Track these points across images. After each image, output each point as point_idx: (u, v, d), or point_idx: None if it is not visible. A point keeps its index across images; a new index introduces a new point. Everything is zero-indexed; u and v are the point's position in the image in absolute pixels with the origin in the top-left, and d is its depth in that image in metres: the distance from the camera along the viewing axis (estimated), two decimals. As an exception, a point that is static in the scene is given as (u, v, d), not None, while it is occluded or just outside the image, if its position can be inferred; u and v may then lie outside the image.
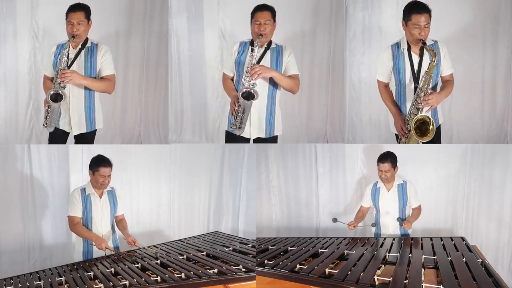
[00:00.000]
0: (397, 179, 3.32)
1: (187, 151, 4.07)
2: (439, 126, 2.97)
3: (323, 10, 3.83)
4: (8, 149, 3.69)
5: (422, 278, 2.07)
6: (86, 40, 2.98)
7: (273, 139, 3.04)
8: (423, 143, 2.83)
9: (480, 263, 2.27)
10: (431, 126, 2.71)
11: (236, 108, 2.85)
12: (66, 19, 2.92)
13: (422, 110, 2.76)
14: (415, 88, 2.80)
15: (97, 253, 3.02)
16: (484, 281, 1.97)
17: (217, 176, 4.18)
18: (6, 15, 3.71)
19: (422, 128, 2.75)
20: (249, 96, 2.82)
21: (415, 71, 2.81)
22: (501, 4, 3.70)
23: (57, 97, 2.85)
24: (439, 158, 3.75)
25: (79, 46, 2.96)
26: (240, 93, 2.83)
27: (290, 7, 3.79)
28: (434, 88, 2.87)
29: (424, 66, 2.79)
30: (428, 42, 2.81)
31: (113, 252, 3.01)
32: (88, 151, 3.79)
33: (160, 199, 4.07)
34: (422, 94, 2.74)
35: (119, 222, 3.22)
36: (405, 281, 2.02)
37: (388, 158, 3.25)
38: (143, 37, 3.85)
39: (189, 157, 4.09)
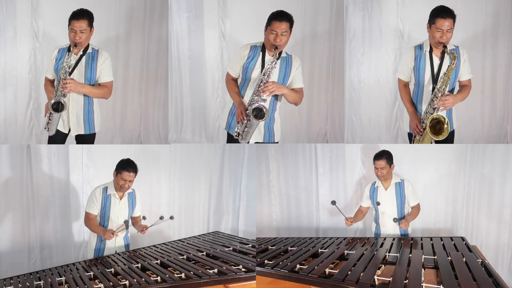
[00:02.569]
0: (395, 178, 3.33)
1: (187, 151, 4.07)
2: (453, 130, 3.04)
3: (323, 10, 3.83)
4: (8, 149, 3.69)
5: (422, 278, 2.07)
6: (87, 46, 2.99)
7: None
8: (436, 142, 2.92)
9: (480, 263, 2.27)
10: (445, 126, 2.80)
11: (244, 122, 2.84)
12: (68, 25, 2.90)
13: (437, 110, 2.83)
14: (433, 89, 2.86)
15: (108, 250, 3.12)
16: (484, 281, 1.97)
17: (217, 176, 4.18)
18: (6, 15, 3.71)
19: (436, 127, 2.84)
20: (260, 115, 2.79)
21: (435, 72, 2.88)
22: (501, 5, 3.70)
23: (58, 106, 2.90)
24: (439, 158, 3.75)
25: (80, 53, 2.97)
26: (251, 109, 2.79)
27: (290, 7, 3.78)
28: (451, 92, 2.92)
29: (444, 69, 2.86)
30: (450, 47, 2.87)
31: (122, 229, 3.11)
32: (88, 151, 3.80)
33: (160, 199, 4.07)
34: (439, 95, 2.82)
35: (133, 220, 3.31)
36: (405, 281, 2.02)
37: (383, 155, 3.28)
38: (143, 37, 3.85)
39: (189, 157, 4.09)
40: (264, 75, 2.79)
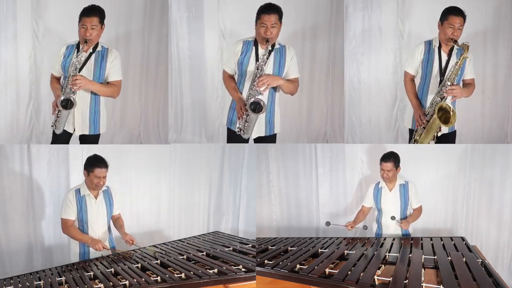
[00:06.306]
0: (399, 179, 3.32)
1: (187, 151, 4.07)
2: (455, 131, 3.09)
3: (323, 10, 3.83)
4: (8, 149, 3.69)
5: (422, 278, 2.07)
6: (97, 44, 2.94)
7: (272, 137, 3.03)
8: (436, 142, 3.00)
9: (480, 263, 2.27)
10: (451, 113, 2.88)
11: (244, 117, 2.86)
12: (79, 21, 2.86)
13: (445, 99, 2.91)
14: (440, 81, 2.95)
15: (93, 254, 3.01)
16: (484, 281, 1.97)
17: (217, 176, 4.18)
18: (7, 15, 3.70)
19: (442, 118, 2.90)
20: (258, 108, 2.81)
21: (442, 67, 2.98)
22: (501, 4, 3.70)
23: (67, 103, 2.86)
24: (439, 158, 3.75)
25: (90, 50, 2.92)
26: (249, 104, 2.82)
27: (290, 6, 3.79)
28: None
29: (451, 65, 2.95)
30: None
31: (110, 252, 3.00)
32: (88, 151, 3.79)
33: (160, 199, 4.07)
34: (449, 83, 2.91)
35: (115, 221, 3.20)
36: (405, 281, 2.02)
37: (391, 157, 3.27)
38: (143, 37, 3.85)
39: (189, 157, 4.09)
40: (258, 68, 2.81)
